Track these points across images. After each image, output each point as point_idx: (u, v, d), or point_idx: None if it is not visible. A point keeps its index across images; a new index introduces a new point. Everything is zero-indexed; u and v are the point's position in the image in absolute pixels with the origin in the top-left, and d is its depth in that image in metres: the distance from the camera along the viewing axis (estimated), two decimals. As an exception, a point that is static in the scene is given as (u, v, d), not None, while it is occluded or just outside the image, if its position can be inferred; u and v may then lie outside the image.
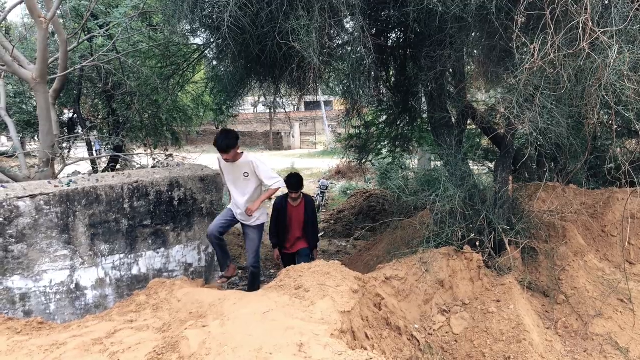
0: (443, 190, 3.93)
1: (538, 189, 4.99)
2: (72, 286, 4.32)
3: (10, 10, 6.95)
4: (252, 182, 4.71)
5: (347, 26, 5.14)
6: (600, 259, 4.98)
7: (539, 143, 3.21)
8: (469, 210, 4.08)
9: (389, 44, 6.23)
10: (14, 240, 4.02)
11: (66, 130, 9.78)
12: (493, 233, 4.23)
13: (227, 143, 4.46)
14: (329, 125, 36.69)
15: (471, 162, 6.82)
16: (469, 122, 5.60)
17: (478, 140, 7.57)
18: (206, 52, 7.34)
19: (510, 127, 3.40)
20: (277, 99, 7.71)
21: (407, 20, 4.16)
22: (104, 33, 7.53)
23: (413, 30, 4.82)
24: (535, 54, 2.98)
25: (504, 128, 3.54)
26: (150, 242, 4.75)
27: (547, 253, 4.51)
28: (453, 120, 5.10)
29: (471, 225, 4.15)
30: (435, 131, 4.94)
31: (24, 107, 9.15)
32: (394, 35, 6.32)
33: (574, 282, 4.41)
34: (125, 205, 4.56)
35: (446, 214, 4.04)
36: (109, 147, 9.52)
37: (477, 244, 4.33)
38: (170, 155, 8.01)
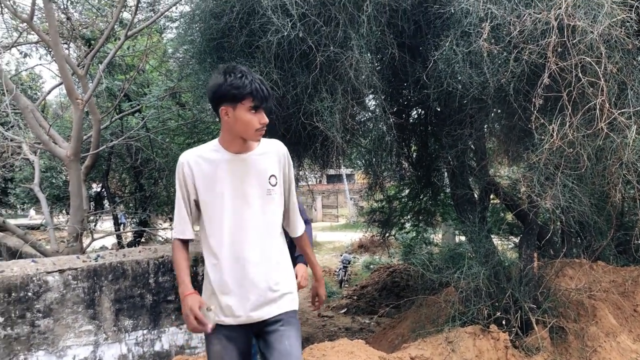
0: (467, 268, 3.91)
1: (565, 265, 4.92)
2: (95, 363, 4.31)
3: (49, 92, 7.35)
4: (278, 202, 2.43)
5: (369, 104, 5.31)
6: (634, 339, 4.82)
7: (561, 221, 3.21)
8: (494, 288, 4.03)
9: (411, 121, 6.38)
10: (41, 315, 4.07)
11: (93, 204, 10.04)
12: (519, 311, 4.16)
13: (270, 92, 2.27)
14: (351, 198, 36.81)
15: (496, 237, 6.79)
16: (492, 197, 5.63)
17: (502, 215, 7.55)
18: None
19: (532, 204, 3.42)
20: (300, 173, 7.85)
21: (428, 100, 4.30)
22: (137, 115, 7.86)
23: (433, 109, 4.96)
24: (554, 135, 3.05)
25: (526, 205, 3.57)
26: (173, 317, 4.75)
27: (576, 333, 4.39)
28: (475, 196, 5.13)
29: (497, 304, 4.09)
30: (458, 207, 4.97)
31: (54, 181, 9.45)
32: (415, 113, 6.48)
33: (607, 364, 4.26)
34: (151, 280, 4.61)
35: (471, 291, 4.00)
36: (135, 220, 9.69)
37: (504, 322, 4.24)
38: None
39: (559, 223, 3.27)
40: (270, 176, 2.37)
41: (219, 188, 2.33)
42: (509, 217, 6.40)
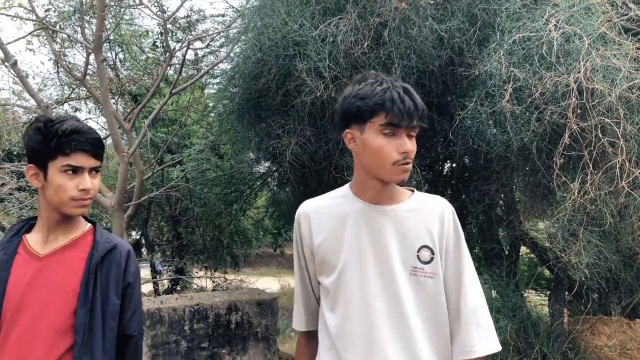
0: (495, 321, 3.95)
1: (598, 322, 4.88)
2: (130, 406, 4.45)
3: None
4: (431, 292, 1.58)
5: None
6: (670, 400, 4.70)
7: (587, 277, 3.27)
8: (522, 343, 4.05)
9: (444, 174, 6.52)
10: (81, 358, 4.26)
11: (132, 252, 10.36)
12: (549, 367, 4.14)
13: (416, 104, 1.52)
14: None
15: (533, 292, 6.74)
16: (527, 251, 5.67)
17: (535, 268, 7.50)
18: (268, 179, 7.86)
19: (557, 260, 3.49)
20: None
21: (455, 156, 4.46)
22: (178, 166, 8.23)
23: (461, 164, 5.10)
24: (576, 192, 3.15)
25: (552, 261, 3.63)
26: (206, 364, 4.88)
27: (609, 391, 4.33)
28: (505, 250, 5.19)
29: (525, 358, 4.10)
30: (487, 261, 5.03)
31: (95, 230, 9.80)
32: (447, 167, 6.62)
33: None
34: (186, 327, 4.77)
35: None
36: (172, 268, 9.94)
37: (533, 378, 4.23)
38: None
39: (584, 279, 3.31)
40: (421, 248, 1.57)
41: (342, 254, 1.61)
42: (540, 270, 6.38)
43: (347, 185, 1.71)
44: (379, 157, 1.50)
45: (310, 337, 1.77)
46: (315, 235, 1.66)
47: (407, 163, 1.51)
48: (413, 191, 1.68)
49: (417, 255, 1.55)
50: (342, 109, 1.61)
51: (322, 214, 1.68)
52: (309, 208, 1.72)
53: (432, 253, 1.56)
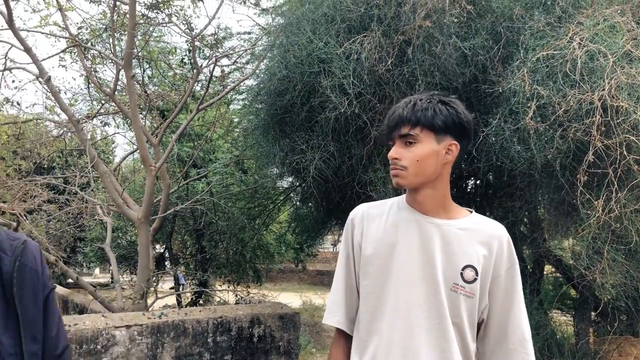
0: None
1: (626, 343, 4.80)
2: (153, 417, 4.50)
3: (124, 158, 7.95)
4: (467, 310, 1.60)
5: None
6: None
7: (613, 296, 3.25)
8: (546, 361, 4.02)
9: (468, 191, 6.50)
10: (107, 367, 4.33)
11: (155, 265, 10.50)
12: (574, 388, 4.10)
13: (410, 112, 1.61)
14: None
15: (559, 312, 6.65)
16: (546, 269, 5.61)
17: (560, 288, 7.40)
18: (291, 194, 7.92)
19: (582, 278, 3.46)
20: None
21: (479, 172, 4.46)
22: (203, 180, 8.35)
23: (485, 181, 5.09)
24: (600, 210, 3.14)
25: (576, 279, 3.60)
26: (228, 377, 4.92)
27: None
28: (529, 268, 5.14)
29: (549, 378, 4.06)
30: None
31: (119, 242, 9.99)
32: (471, 183, 6.60)
33: None
34: (209, 340, 4.82)
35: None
36: (195, 282, 10.03)
37: (558, 398, 4.18)
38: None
39: (609, 298, 3.28)
40: (466, 267, 1.59)
41: (390, 258, 1.65)
42: (565, 289, 6.31)
43: (402, 196, 1.76)
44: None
45: (345, 338, 1.77)
46: (366, 236, 1.71)
47: (394, 168, 1.60)
48: (471, 212, 1.71)
49: (462, 273, 1.59)
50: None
51: (377, 216, 1.73)
52: (365, 209, 1.77)
53: (476, 274, 1.59)
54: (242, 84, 7.02)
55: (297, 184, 6.53)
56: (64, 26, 6.16)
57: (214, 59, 6.49)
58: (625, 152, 3.15)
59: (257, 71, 5.86)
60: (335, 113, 3.99)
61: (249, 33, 7.64)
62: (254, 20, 13.15)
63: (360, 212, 1.77)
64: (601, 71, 3.28)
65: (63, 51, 6.60)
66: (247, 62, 7.28)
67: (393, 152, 1.61)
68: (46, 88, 5.81)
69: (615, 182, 3.17)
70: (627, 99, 3.17)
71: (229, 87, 7.20)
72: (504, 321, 1.64)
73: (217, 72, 7.30)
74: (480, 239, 1.62)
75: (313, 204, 6.08)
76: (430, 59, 3.94)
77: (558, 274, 5.77)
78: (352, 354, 1.72)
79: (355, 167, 4.38)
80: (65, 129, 7.70)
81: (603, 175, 3.33)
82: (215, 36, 7.33)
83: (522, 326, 1.64)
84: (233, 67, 7.62)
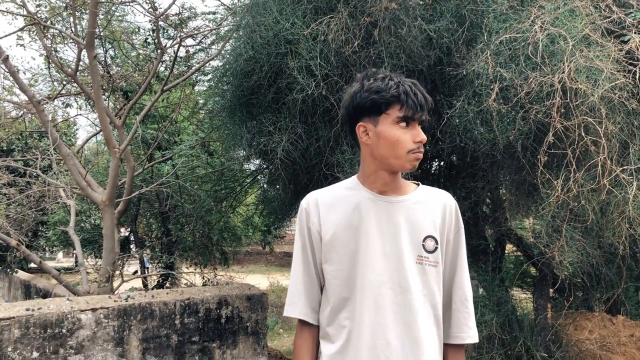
0: (480, 315, 4.05)
1: (581, 317, 5.00)
2: (121, 399, 4.50)
3: (87, 140, 7.79)
4: (433, 280, 1.68)
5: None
6: (650, 393, 4.83)
7: (569, 272, 3.37)
8: (507, 336, 4.15)
9: (432, 172, 6.61)
10: (72, 351, 4.30)
11: (120, 248, 10.38)
12: (532, 360, 4.25)
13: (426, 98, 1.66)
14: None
15: (519, 289, 6.86)
16: (514, 248, 5.78)
17: (520, 266, 7.63)
18: (258, 176, 7.91)
19: (541, 255, 3.59)
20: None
21: (443, 153, 4.54)
22: (168, 162, 8.26)
23: (448, 162, 5.19)
24: (559, 189, 3.25)
25: (535, 257, 3.73)
26: (197, 358, 4.94)
27: (591, 384, 4.44)
28: (491, 246, 5.29)
29: (509, 352, 4.20)
30: (473, 257, 5.12)
31: (83, 225, 9.84)
32: (435, 165, 6.71)
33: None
34: (177, 321, 4.82)
35: (484, 339, 4.12)
36: (160, 265, 9.96)
37: (517, 371, 4.33)
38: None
39: (567, 274, 3.41)
40: (426, 237, 1.66)
41: (353, 241, 1.67)
42: (532, 269, 6.51)
43: (354, 177, 1.79)
44: (395, 147, 1.61)
45: (310, 330, 1.77)
46: (324, 223, 1.71)
47: (421, 151, 1.63)
48: (418, 184, 1.79)
49: (423, 245, 1.66)
50: (354, 103, 1.67)
51: (332, 202, 1.74)
52: (317, 197, 1.77)
53: (436, 243, 1.67)
54: (207, 64, 6.94)
55: (265, 166, 6.53)
56: (22, 3, 5.96)
57: (178, 39, 6.39)
58: (583, 134, 3.25)
59: (223, 52, 5.80)
60: (303, 95, 4.00)
61: (214, 13, 7.56)
62: (219, 0, 12.95)
63: (313, 201, 1.77)
64: (561, 54, 3.37)
65: (21, 29, 6.39)
66: (213, 43, 7.18)
67: (423, 136, 1.63)
68: (3, 67, 5.63)
69: (574, 163, 3.27)
70: (585, 82, 3.27)
71: (194, 68, 7.11)
72: (450, 284, 1.75)
73: (182, 52, 7.19)
74: (433, 208, 1.70)
75: (280, 186, 6.09)
76: (396, 41, 3.97)
77: (519, 253, 5.95)
78: (323, 343, 1.73)
79: (322, 149, 4.40)
80: (25, 110, 7.49)
81: (562, 155, 3.43)
82: (180, 16, 7.22)
83: (464, 287, 1.74)
84: (198, 47, 7.51)
